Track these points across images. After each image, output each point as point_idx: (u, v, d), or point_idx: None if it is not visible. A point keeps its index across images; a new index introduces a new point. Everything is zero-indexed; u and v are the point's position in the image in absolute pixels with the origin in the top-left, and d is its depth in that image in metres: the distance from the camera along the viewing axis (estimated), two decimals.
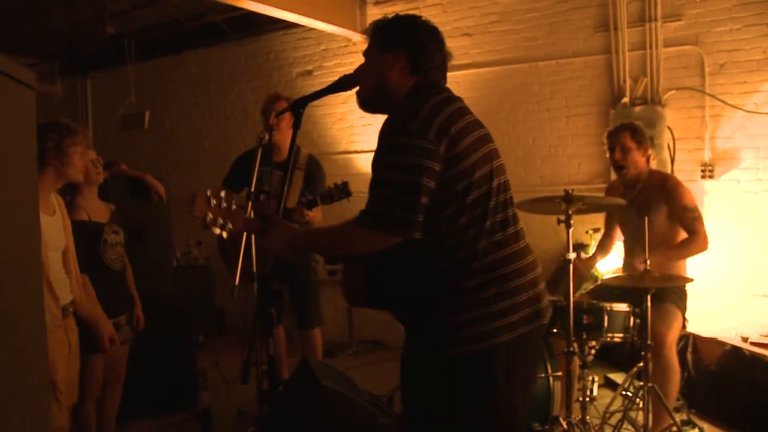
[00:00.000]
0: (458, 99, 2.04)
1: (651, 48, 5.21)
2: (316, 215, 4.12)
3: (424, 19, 2.10)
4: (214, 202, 2.09)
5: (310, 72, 7.05)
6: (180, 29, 7.25)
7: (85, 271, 3.30)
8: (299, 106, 2.17)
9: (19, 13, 6.67)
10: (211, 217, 2.09)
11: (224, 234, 3.08)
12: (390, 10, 6.42)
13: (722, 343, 4.14)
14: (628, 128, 3.76)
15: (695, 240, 3.57)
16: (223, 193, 2.12)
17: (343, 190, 3.84)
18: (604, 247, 4.10)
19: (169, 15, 6.94)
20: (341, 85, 2.13)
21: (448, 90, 2.07)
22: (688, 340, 4.24)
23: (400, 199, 1.84)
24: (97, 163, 3.51)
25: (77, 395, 2.97)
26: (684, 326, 3.68)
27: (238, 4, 5.63)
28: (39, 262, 1.70)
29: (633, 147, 3.71)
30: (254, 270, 3.39)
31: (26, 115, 1.53)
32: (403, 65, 2.04)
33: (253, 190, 3.47)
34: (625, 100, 5.29)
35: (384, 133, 1.94)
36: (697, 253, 3.62)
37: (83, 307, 3.02)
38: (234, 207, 2.19)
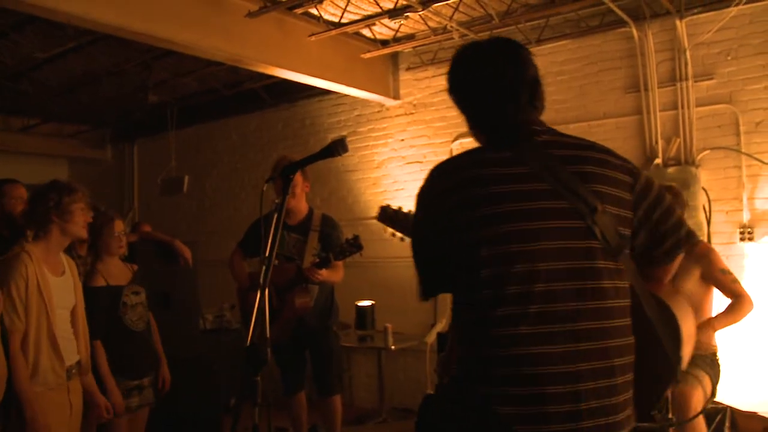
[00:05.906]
0: (484, 155, 1.65)
1: (683, 108, 5.10)
2: (333, 274, 4.06)
3: (466, 53, 1.75)
4: None
5: (344, 137, 7.11)
6: (219, 96, 7.48)
7: (98, 338, 3.34)
8: (288, 172, 2.17)
9: (72, 84, 7.05)
10: None
11: None
12: (422, 76, 6.57)
13: (763, 419, 3.91)
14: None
15: (742, 302, 3.54)
16: None
17: (354, 245, 3.80)
18: None
19: (208, 83, 7.18)
20: (330, 150, 2.13)
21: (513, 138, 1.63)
22: (725, 414, 4.00)
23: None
24: (122, 236, 3.61)
25: None
26: (712, 395, 3.53)
27: (274, 74, 5.78)
28: None
29: None
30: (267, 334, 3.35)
31: None
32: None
33: (267, 254, 3.46)
34: (658, 161, 5.17)
35: None
36: (746, 314, 3.55)
37: (87, 370, 3.04)
38: None
